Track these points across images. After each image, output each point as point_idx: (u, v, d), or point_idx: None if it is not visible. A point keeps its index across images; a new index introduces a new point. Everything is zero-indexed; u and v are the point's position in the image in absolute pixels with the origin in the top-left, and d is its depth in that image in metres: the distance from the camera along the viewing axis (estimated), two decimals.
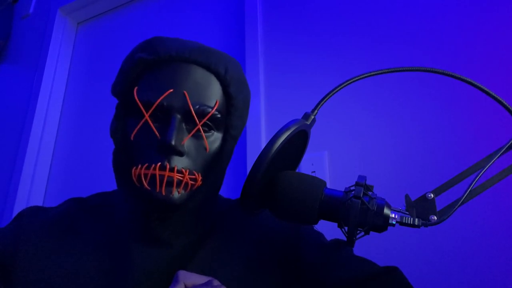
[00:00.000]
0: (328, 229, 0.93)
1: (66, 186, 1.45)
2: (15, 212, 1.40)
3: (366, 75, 0.48)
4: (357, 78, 0.48)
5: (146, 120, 0.52)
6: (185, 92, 0.51)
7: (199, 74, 0.53)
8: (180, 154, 0.50)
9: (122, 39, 1.60)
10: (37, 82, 1.60)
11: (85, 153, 1.46)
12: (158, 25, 1.53)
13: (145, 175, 0.49)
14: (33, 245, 0.53)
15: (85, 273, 0.50)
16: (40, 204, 1.48)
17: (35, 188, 1.46)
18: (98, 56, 1.64)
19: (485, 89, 0.45)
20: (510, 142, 0.45)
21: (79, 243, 0.54)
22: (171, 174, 0.49)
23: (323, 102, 0.49)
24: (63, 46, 1.70)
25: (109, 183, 1.36)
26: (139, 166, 0.50)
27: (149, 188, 0.49)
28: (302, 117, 0.50)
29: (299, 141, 0.52)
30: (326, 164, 0.98)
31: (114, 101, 1.49)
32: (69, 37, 1.74)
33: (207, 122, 0.53)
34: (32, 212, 0.58)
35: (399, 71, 0.48)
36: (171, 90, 0.51)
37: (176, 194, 0.50)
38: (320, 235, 0.61)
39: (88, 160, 1.44)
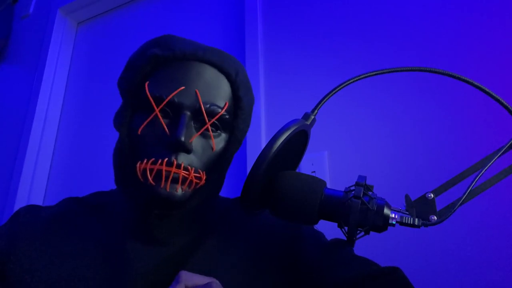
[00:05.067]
0: (328, 229, 0.93)
1: (66, 186, 1.45)
2: None
3: (366, 75, 0.48)
4: (357, 78, 0.48)
5: (155, 116, 0.52)
6: (196, 90, 0.52)
7: (211, 74, 0.54)
8: (188, 151, 0.50)
9: (122, 39, 1.60)
10: (37, 82, 1.59)
11: (85, 153, 1.46)
12: (158, 25, 1.53)
13: (151, 170, 0.49)
14: (30, 244, 0.53)
15: (82, 272, 0.50)
16: (40, 204, 1.48)
17: (35, 188, 1.46)
18: (98, 56, 1.64)
19: (485, 89, 0.45)
20: (510, 142, 0.45)
21: (76, 242, 0.54)
22: (178, 170, 0.49)
23: (323, 102, 0.49)
24: (63, 46, 1.70)
25: (109, 183, 1.36)
26: (145, 161, 0.50)
27: (153, 183, 0.49)
28: (302, 117, 0.50)
29: (299, 141, 0.52)
30: (326, 164, 0.98)
31: (114, 101, 1.49)
32: (69, 37, 1.74)
33: (215, 122, 0.53)
34: (28, 211, 0.58)
35: (398, 71, 0.48)
36: (183, 88, 0.51)
37: (180, 191, 0.50)
38: (320, 234, 0.61)
39: (88, 160, 1.44)
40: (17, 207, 1.40)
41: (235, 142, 0.56)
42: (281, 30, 1.19)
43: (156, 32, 1.52)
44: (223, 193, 1.16)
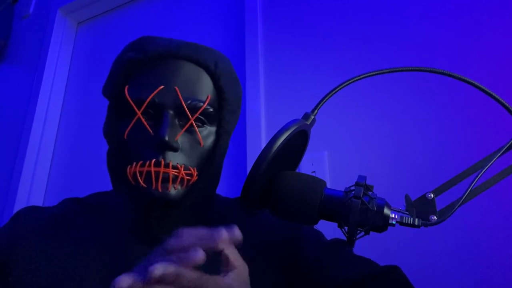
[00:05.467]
0: (328, 229, 0.93)
1: (66, 186, 1.45)
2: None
3: (366, 75, 0.48)
4: (357, 78, 0.48)
5: (139, 118, 0.52)
6: (176, 88, 0.52)
7: (189, 69, 0.54)
8: (174, 149, 0.50)
9: (122, 39, 1.60)
10: (37, 82, 1.59)
11: (85, 153, 1.46)
12: (158, 25, 1.53)
13: (140, 173, 0.49)
14: (30, 244, 0.53)
15: (82, 272, 0.50)
16: (40, 204, 1.48)
17: (35, 188, 1.46)
18: (98, 56, 1.64)
19: (485, 89, 0.45)
20: (510, 142, 0.45)
21: (76, 243, 0.54)
22: (166, 170, 0.49)
23: (323, 102, 0.49)
24: (63, 46, 1.70)
25: (109, 183, 1.36)
26: (134, 164, 0.50)
27: (145, 186, 0.49)
28: (302, 117, 0.50)
29: (299, 141, 0.52)
30: (326, 164, 0.98)
31: None
32: (69, 37, 1.74)
33: (200, 116, 0.53)
34: (29, 212, 0.58)
35: (399, 71, 0.48)
36: (162, 87, 0.51)
37: (172, 190, 0.50)
38: (320, 234, 0.61)
39: (88, 160, 1.44)
40: (17, 207, 1.40)
41: (224, 134, 0.56)
42: (281, 30, 1.19)
43: (156, 33, 1.52)
44: (223, 193, 1.16)
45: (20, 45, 1.82)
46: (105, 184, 1.37)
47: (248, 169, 1.07)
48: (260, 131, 1.08)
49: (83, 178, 1.42)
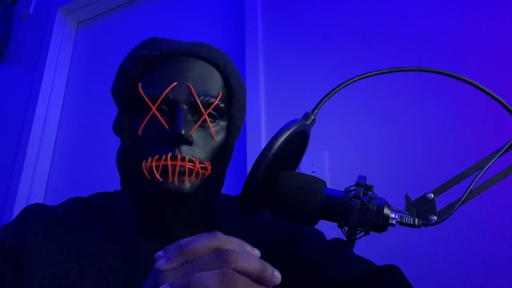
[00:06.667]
0: (328, 229, 0.93)
1: (66, 186, 1.45)
2: (15, 212, 1.40)
3: (366, 75, 0.48)
4: (357, 78, 0.48)
5: (153, 114, 0.53)
6: (189, 84, 0.53)
7: (201, 67, 0.55)
8: (190, 143, 0.51)
9: (122, 39, 1.60)
10: (37, 82, 1.59)
11: (85, 153, 1.46)
12: (158, 25, 1.53)
13: (157, 167, 0.50)
14: (41, 241, 0.53)
15: (91, 271, 0.50)
16: None
17: (35, 188, 1.46)
18: (98, 56, 1.64)
19: (485, 89, 0.45)
20: (510, 142, 0.45)
21: (82, 242, 0.54)
22: (183, 163, 0.49)
23: (323, 102, 0.49)
24: (63, 46, 1.70)
25: (109, 183, 1.36)
26: (150, 159, 0.50)
27: (161, 180, 0.50)
28: (302, 117, 0.50)
29: (299, 141, 0.52)
30: (326, 164, 0.98)
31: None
32: (69, 37, 1.74)
33: (212, 112, 0.55)
34: (37, 209, 0.58)
35: (399, 71, 0.48)
36: (176, 83, 0.52)
37: (188, 183, 0.51)
38: (321, 234, 0.61)
39: (88, 160, 1.44)
40: (17, 207, 1.40)
41: (234, 129, 0.58)
42: (281, 30, 1.19)
43: (156, 32, 1.52)
44: (223, 192, 1.16)
45: (20, 45, 1.82)
46: (105, 184, 1.37)
47: (248, 169, 1.07)
48: (260, 131, 1.08)
49: (83, 178, 1.42)
